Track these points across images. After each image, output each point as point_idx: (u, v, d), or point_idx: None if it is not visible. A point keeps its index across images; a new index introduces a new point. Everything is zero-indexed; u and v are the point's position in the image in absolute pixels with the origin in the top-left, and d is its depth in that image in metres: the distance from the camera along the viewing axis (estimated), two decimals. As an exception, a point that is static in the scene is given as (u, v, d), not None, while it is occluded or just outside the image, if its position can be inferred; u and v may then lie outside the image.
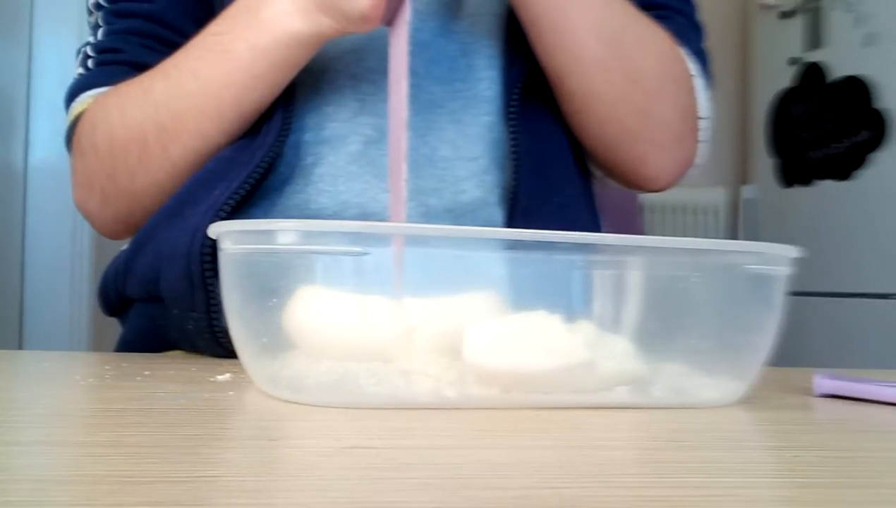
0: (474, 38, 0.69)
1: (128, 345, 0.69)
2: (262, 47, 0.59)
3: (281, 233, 0.39)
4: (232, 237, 0.41)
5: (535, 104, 0.68)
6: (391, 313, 0.40)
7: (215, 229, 0.42)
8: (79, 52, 0.71)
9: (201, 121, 0.61)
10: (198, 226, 0.58)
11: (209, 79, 0.60)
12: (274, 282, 0.40)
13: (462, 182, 0.66)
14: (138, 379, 0.45)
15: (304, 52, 0.60)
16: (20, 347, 1.92)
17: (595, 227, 0.72)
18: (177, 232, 0.60)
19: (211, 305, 0.59)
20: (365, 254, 0.38)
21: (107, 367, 0.49)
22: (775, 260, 0.42)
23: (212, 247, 0.57)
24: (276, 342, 0.40)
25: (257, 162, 0.61)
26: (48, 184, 1.94)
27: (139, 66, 0.67)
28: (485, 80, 0.68)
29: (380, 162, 0.64)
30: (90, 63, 0.70)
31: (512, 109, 0.67)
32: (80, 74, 0.71)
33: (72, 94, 0.70)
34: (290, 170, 0.64)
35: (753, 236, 2.36)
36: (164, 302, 0.61)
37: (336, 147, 0.65)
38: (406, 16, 0.55)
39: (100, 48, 0.70)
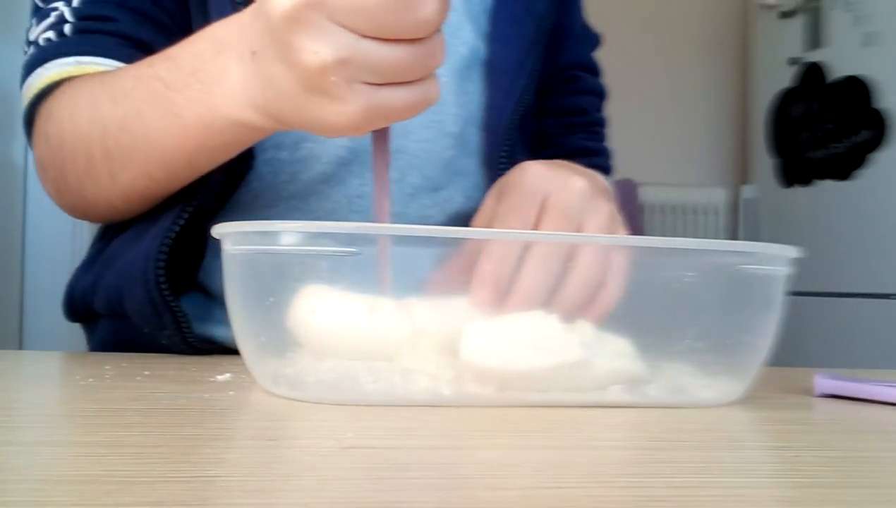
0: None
1: None
2: (217, 128, 0.52)
3: (282, 233, 0.39)
4: (233, 238, 0.41)
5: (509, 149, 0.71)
6: (394, 313, 0.40)
7: (218, 230, 0.42)
8: (39, 12, 0.63)
9: (150, 167, 0.57)
10: (148, 252, 0.58)
11: (158, 133, 0.54)
12: (273, 282, 0.40)
13: (426, 209, 0.67)
14: (138, 379, 0.45)
15: (261, 135, 0.53)
16: (20, 347, 1.92)
17: None
18: (133, 255, 0.60)
19: (180, 322, 0.59)
20: (357, 254, 0.38)
21: (107, 367, 0.49)
22: (775, 260, 0.42)
23: (165, 268, 0.58)
24: (277, 340, 0.41)
25: (205, 194, 0.60)
26: (48, 184, 1.94)
27: (134, 42, 0.62)
28: (451, 116, 0.69)
29: (350, 182, 0.65)
30: (67, 29, 0.62)
31: (502, 159, 0.69)
32: (50, 41, 0.62)
33: (41, 60, 0.62)
34: (263, 185, 0.64)
35: (753, 236, 2.36)
36: (131, 319, 0.61)
37: (310, 165, 0.65)
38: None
39: (83, 14, 0.62)
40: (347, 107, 0.42)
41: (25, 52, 0.64)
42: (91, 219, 0.67)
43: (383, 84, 0.42)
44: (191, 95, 0.51)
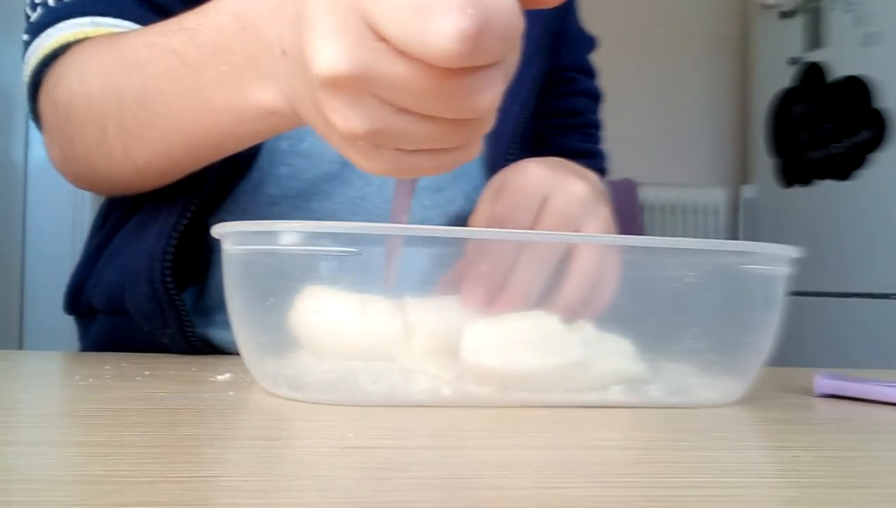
0: None
1: None
2: (249, 116, 0.47)
3: (282, 233, 0.39)
4: (233, 238, 0.41)
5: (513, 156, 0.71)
6: (389, 312, 0.40)
7: (218, 230, 0.42)
8: None
9: (170, 147, 0.53)
10: (153, 251, 0.58)
11: (181, 113, 0.50)
12: (274, 282, 0.40)
13: (427, 210, 0.68)
14: (138, 379, 0.45)
15: (299, 125, 0.47)
16: (20, 347, 1.92)
17: None
18: (138, 251, 0.60)
19: (183, 320, 0.59)
20: (359, 253, 0.38)
21: (107, 367, 0.49)
22: (775, 260, 0.42)
23: (171, 264, 0.58)
24: (277, 341, 0.41)
25: (208, 187, 0.59)
26: (48, 184, 1.94)
27: (150, 3, 0.60)
28: None
29: (353, 182, 0.65)
30: None
31: (507, 161, 0.68)
32: (62, 1, 0.59)
33: (52, 20, 0.59)
34: (262, 175, 0.64)
35: (753, 236, 2.36)
36: (131, 317, 0.61)
37: (313, 163, 0.64)
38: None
39: None
40: (372, 165, 0.38)
41: (29, 16, 0.61)
42: (98, 191, 0.65)
43: (417, 151, 0.38)
44: (217, 77, 0.47)
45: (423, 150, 0.38)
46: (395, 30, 0.32)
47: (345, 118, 0.36)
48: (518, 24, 0.32)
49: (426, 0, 0.31)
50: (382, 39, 0.33)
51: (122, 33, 0.56)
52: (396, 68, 0.33)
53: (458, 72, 0.33)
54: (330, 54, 0.34)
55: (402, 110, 0.35)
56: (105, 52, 0.55)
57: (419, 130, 0.36)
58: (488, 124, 0.37)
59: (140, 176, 0.57)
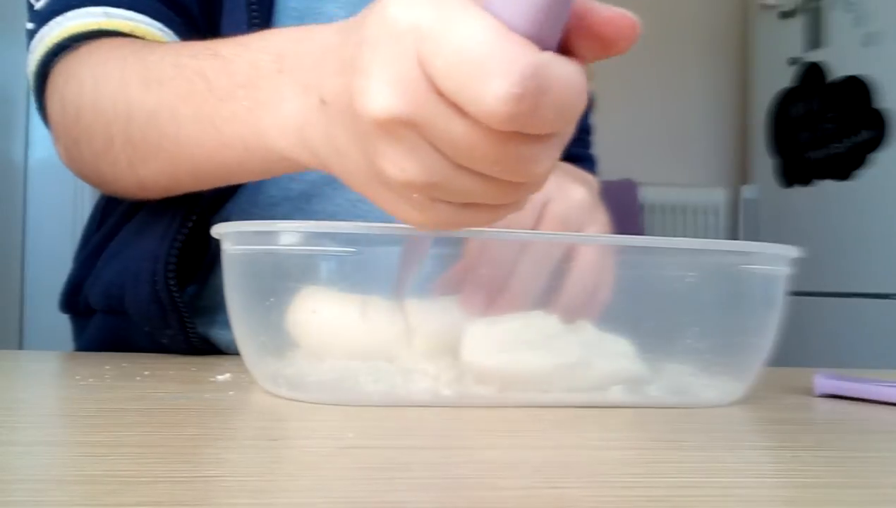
0: None
1: None
2: (259, 156, 0.45)
3: (282, 233, 0.39)
4: (233, 238, 0.41)
5: None
6: (390, 313, 0.40)
7: (218, 230, 0.42)
8: None
9: (175, 169, 0.52)
10: (157, 254, 0.58)
11: (190, 139, 0.49)
12: (274, 282, 0.40)
13: None
14: (138, 379, 0.45)
15: (309, 168, 0.44)
16: (20, 346, 1.92)
17: None
18: (140, 252, 0.59)
19: (185, 321, 0.59)
20: (357, 253, 0.38)
21: (107, 367, 0.49)
22: (775, 260, 0.42)
23: (175, 267, 0.58)
24: (277, 340, 0.41)
25: (211, 190, 0.58)
26: (48, 184, 1.94)
27: (169, 1, 0.58)
28: None
29: None
30: None
31: None
32: None
33: (62, 7, 0.56)
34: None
35: (753, 236, 2.36)
36: (129, 317, 0.61)
37: None
38: None
39: None
40: (421, 217, 0.36)
41: (32, 4, 0.58)
42: (103, 192, 0.64)
43: (468, 205, 0.36)
44: (235, 109, 0.45)
45: (474, 204, 0.36)
46: (450, 84, 0.31)
47: (402, 168, 0.34)
48: (580, 101, 0.31)
49: (487, 58, 0.30)
50: (439, 93, 0.32)
51: (152, 45, 0.54)
52: (454, 124, 0.32)
53: (515, 138, 0.32)
54: (386, 95, 0.32)
55: (459, 166, 0.34)
56: (127, 61, 0.53)
57: (474, 187, 0.34)
58: (540, 186, 0.36)
59: (142, 188, 0.56)
